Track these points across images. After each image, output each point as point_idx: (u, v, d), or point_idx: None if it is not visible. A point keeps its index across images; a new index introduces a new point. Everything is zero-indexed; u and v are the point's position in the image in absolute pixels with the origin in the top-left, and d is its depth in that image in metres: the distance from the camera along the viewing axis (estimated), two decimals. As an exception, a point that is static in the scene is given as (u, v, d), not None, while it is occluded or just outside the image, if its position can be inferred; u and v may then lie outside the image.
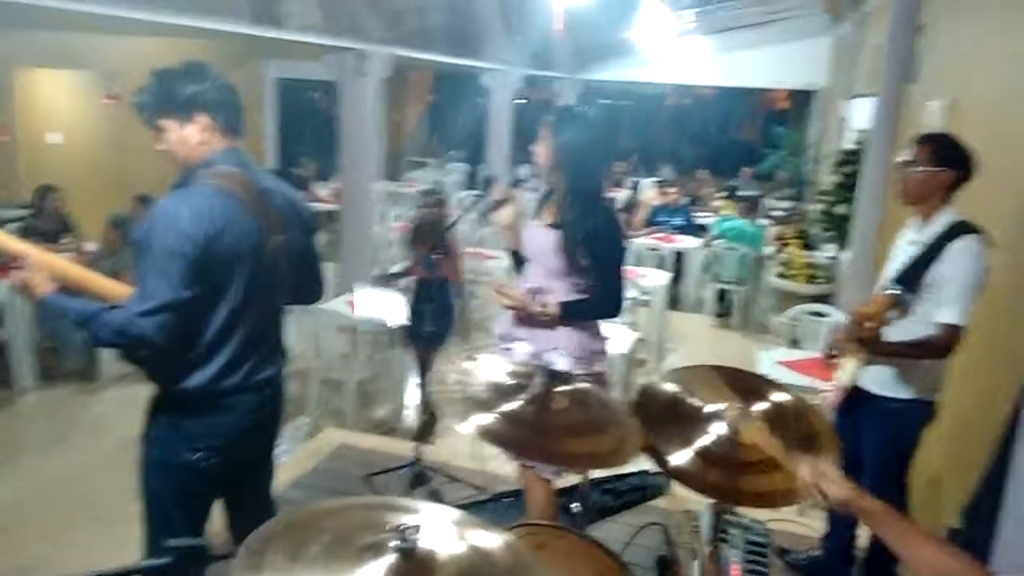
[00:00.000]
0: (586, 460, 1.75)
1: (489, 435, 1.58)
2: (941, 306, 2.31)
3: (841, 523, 2.81)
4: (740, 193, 8.17)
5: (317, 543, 1.11)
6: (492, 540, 1.24)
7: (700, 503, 1.95)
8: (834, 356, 2.63)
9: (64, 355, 4.76)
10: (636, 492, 3.20)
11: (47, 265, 1.80)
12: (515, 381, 1.80)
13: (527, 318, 2.40)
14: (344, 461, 3.65)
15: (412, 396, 4.39)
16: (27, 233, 5.44)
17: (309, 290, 2.22)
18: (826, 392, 2.79)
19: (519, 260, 2.58)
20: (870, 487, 2.70)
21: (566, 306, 2.36)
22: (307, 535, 1.13)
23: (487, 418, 1.63)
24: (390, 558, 1.08)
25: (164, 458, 1.92)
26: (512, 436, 1.60)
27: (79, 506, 3.30)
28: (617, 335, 3.88)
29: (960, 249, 2.31)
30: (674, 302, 6.85)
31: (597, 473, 2.75)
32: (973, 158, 2.37)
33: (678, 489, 2.41)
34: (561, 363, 2.27)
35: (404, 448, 3.57)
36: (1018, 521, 1.01)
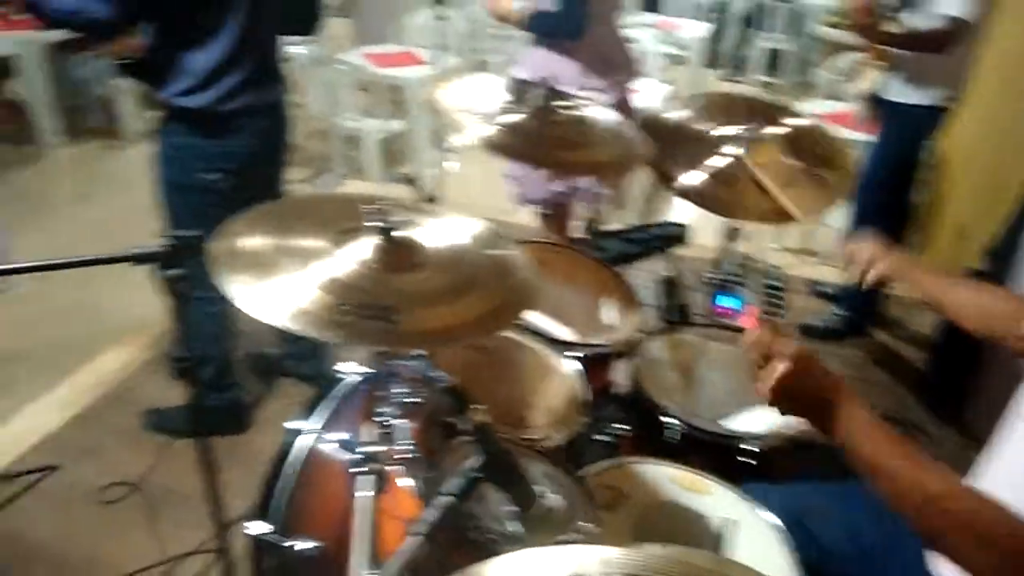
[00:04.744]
0: (589, 168, 1.73)
1: (492, 145, 1.55)
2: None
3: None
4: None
5: (300, 226, 1.12)
6: (481, 236, 1.24)
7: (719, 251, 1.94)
8: None
9: (87, 112, 4.74)
10: (656, 240, 3.23)
11: None
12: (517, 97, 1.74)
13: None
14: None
15: (435, 154, 4.34)
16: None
17: (304, 17, 2.16)
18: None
19: None
20: (873, 201, 2.74)
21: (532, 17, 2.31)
22: (289, 220, 1.14)
23: (489, 129, 1.58)
24: (374, 239, 1.09)
25: (179, 179, 1.99)
26: (514, 145, 1.57)
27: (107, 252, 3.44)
28: (648, 88, 3.69)
29: None
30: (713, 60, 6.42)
31: (618, 225, 2.76)
32: None
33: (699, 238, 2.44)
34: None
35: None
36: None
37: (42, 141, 4.49)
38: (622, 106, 2.37)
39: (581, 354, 1.58)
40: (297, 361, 2.45)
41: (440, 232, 1.20)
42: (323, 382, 1.52)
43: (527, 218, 2.74)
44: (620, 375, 1.72)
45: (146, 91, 1.96)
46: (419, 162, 4.30)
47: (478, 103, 1.80)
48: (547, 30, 2.37)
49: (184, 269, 1.23)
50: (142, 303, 2.88)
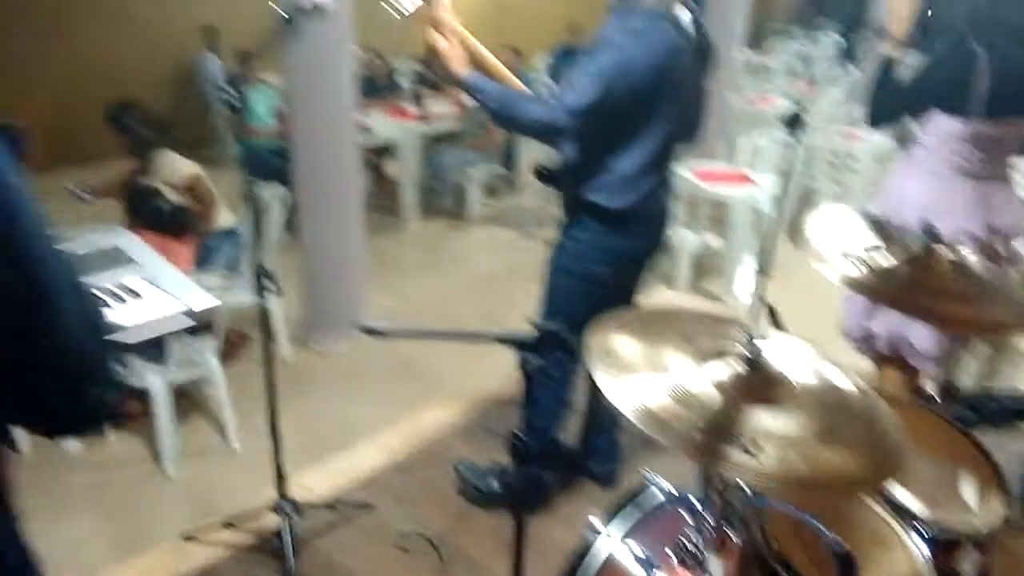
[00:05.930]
0: (971, 325, 1.53)
1: (858, 285, 1.46)
2: None
3: None
4: None
5: (664, 335, 1.14)
6: (843, 379, 1.16)
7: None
8: None
9: (440, 194, 5.46)
10: (1008, 413, 2.77)
11: (469, 46, 1.91)
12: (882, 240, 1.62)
13: None
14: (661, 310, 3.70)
15: (747, 275, 4.24)
16: (420, 82, 6.21)
17: (694, 129, 2.22)
18: None
19: None
20: None
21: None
22: (655, 327, 1.17)
23: (855, 268, 1.50)
24: (736, 364, 1.07)
25: (571, 267, 2.11)
26: (884, 289, 1.46)
27: (440, 320, 3.85)
28: None
29: None
30: None
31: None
32: None
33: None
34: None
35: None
36: None
37: (403, 215, 5.25)
38: (1005, 258, 2.11)
39: (931, 533, 1.38)
40: (595, 459, 2.48)
41: (797, 366, 1.14)
42: (615, 486, 1.51)
43: (858, 358, 2.53)
44: (968, 567, 1.46)
45: (564, 190, 2.08)
46: (730, 281, 4.23)
47: (840, 236, 1.72)
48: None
49: (545, 359, 1.31)
50: (472, 370, 3.24)
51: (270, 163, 4.13)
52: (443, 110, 5.64)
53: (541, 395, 2.24)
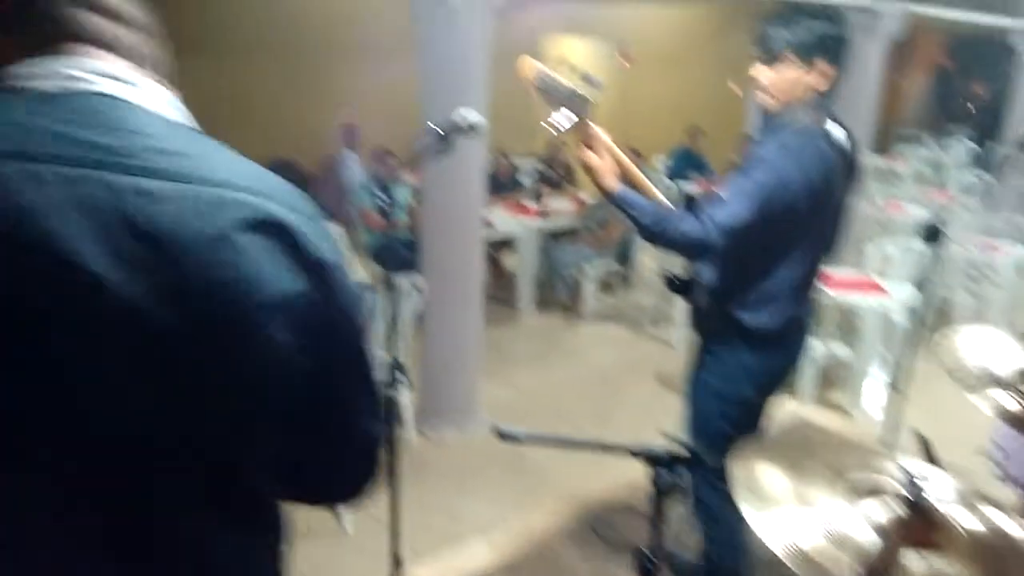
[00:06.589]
0: None
1: (1011, 417, 1.36)
2: None
3: None
4: None
5: (811, 466, 1.10)
6: (1012, 525, 1.07)
7: None
8: None
9: (555, 288, 5.54)
10: None
11: (618, 159, 1.88)
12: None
13: None
14: (798, 432, 3.54)
15: (877, 389, 4.01)
16: (541, 180, 6.43)
17: (837, 243, 2.15)
18: None
19: None
20: None
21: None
22: (800, 455, 1.13)
23: (1006, 396, 1.40)
24: (894, 503, 1.01)
25: (721, 388, 2.04)
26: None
27: (552, 414, 3.84)
28: None
29: None
30: None
31: None
32: None
33: None
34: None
35: (866, 437, 3.30)
36: None
37: (519, 307, 5.35)
38: None
39: None
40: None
41: (957, 506, 1.07)
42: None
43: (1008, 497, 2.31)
44: None
45: (702, 303, 2.04)
46: (857, 394, 4.01)
47: (990, 359, 1.63)
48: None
49: (678, 477, 1.29)
50: (583, 470, 3.19)
51: (401, 254, 4.35)
52: (562, 207, 5.81)
53: (712, 532, 2.17)
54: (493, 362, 4.16)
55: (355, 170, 6.49)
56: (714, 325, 2.03)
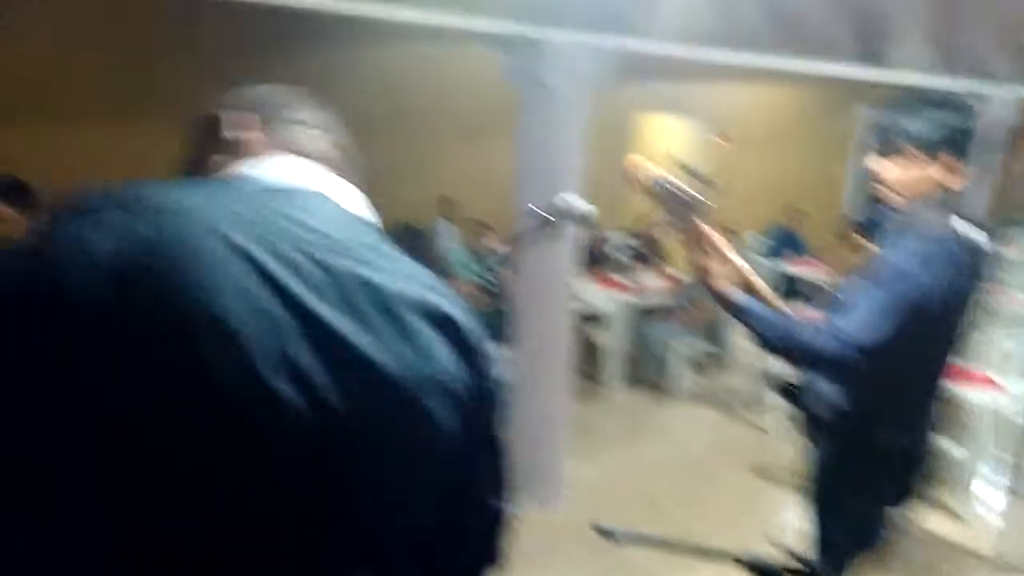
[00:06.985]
0: None
1: None
2: None
3: None
4: None
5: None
6: None
7: None
8: None
9: (645, 366, 5.46)
10: None
11: (732, 261, 1.81)
12: None
13: None
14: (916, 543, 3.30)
15: (991, 492, 3.72)
16: (633, 255, 6.44)
17: (962, 348, 1.98)
18: None
19: None
20: None
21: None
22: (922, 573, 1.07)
23: None
24: None
25: (842, 504, 1.91)
26: None
27: (640, 497, 3.74)
28: None
29: None
30: None
31: None
32: None
33: None
34: None
35: (980, 547, 3.05)
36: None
37: (607, 383, 5.30)
38: None
39: None
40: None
41: None
42: None
43: None
44: None
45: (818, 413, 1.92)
46: (968, 494, 3.74)
47: None
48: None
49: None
50: (668, 561, 3.06)
51: (492, 325, 4.41)
52: (653, 283, 5.78)
53: None
54: (578, 438, 4.10)
55: (451, 241, 6.68)
56: (837, 439, 1.91)
